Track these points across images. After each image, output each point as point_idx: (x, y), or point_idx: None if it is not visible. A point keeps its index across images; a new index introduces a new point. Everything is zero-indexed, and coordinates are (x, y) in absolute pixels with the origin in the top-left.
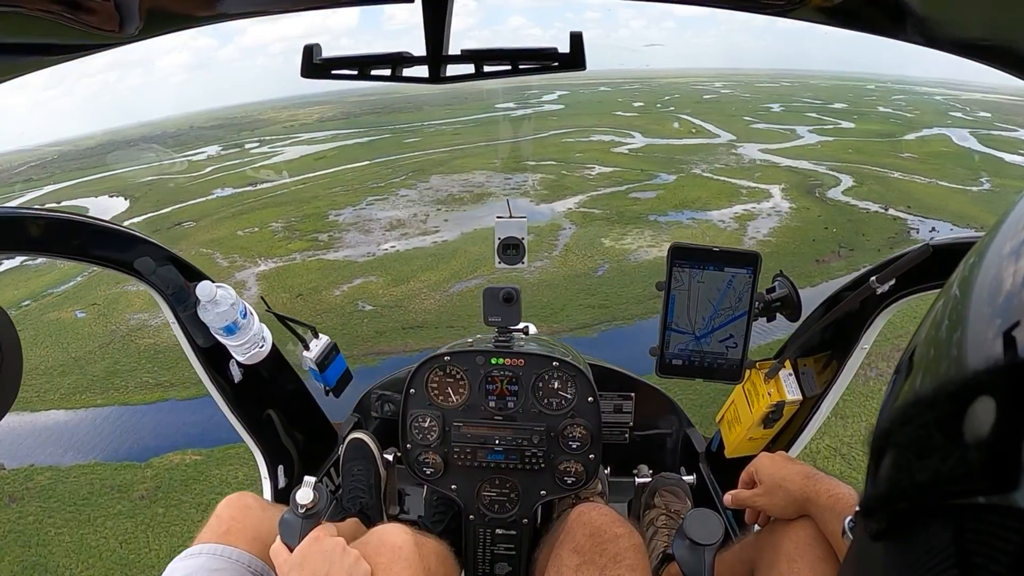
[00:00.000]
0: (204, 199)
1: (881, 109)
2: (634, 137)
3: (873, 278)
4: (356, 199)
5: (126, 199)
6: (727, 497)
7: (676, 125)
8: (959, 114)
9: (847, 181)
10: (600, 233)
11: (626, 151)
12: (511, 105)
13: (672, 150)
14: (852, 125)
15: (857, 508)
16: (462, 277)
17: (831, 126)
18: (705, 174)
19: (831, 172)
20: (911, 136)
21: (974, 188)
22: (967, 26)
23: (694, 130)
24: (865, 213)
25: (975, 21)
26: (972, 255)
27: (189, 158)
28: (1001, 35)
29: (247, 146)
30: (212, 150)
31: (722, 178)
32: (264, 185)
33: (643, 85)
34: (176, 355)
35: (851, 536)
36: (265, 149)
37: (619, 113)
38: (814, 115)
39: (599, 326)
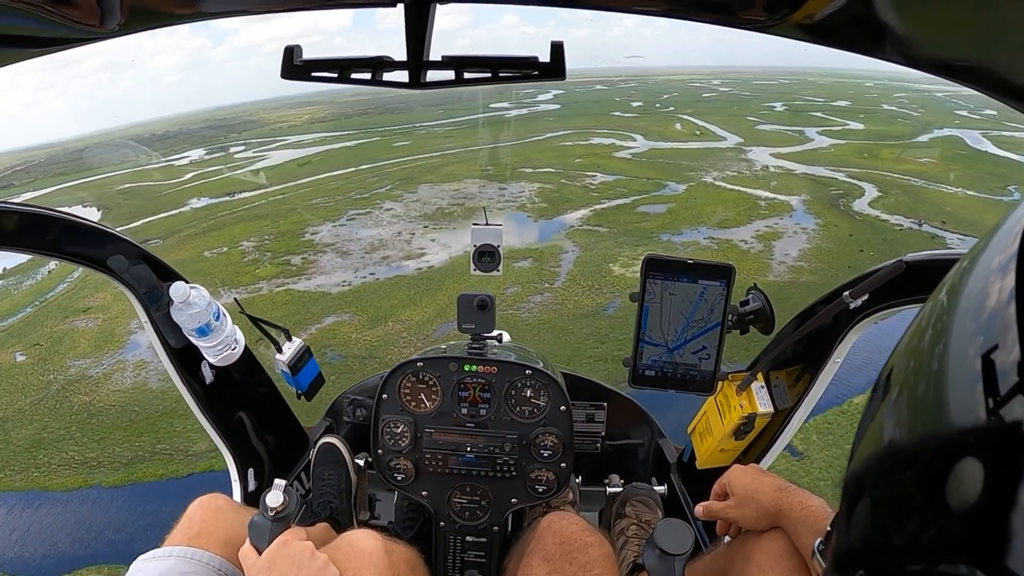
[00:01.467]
0: (177, 211)
1: (886, 107)
2: (636, 140)
3: (846, 293)
4: (336, 213)
5: (99, 209)
6: (699, 509)
7: (679, 127)
8: (964, 112)
9: (871, 191)
10: (607, 256)
11: (628, 156)
12: (506, 105)
13: (678, 155)
14: (861, 126)
15: (828, 528)
16: (449, 316)
17: (839, 127)
18: (717, 183)
19: (852, 180)
20: (924, 138)
21: (1005, 198)
22: (946, 47)
23: (698, 132)
24: (899, 230)
25: (954, 42)
26: (966, 259)
27: (173, 162)
28: (980, 56)
29: (232, 150)
30: (196, 154)
31: (736, 187)
32: (242, 195)
33: (639, 83)
34: (109, 422)
35: (821, 562)
36: (250, 154)
37: (617, 114)
38: (819, 115)
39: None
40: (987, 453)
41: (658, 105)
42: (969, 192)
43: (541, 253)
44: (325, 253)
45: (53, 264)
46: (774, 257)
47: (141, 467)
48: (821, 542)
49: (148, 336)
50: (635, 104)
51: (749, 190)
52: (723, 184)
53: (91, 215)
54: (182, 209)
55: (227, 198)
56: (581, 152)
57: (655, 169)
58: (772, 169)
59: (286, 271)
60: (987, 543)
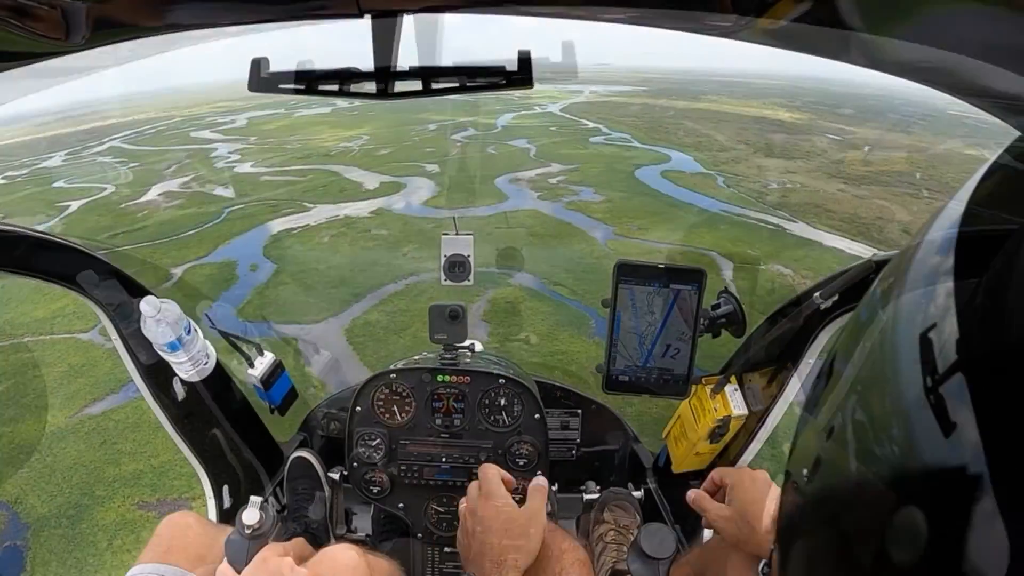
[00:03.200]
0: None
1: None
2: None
3: (817, 294)
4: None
5: None
6: (691, 495)
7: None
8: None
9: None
10: None
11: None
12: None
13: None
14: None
15: (772, 550)
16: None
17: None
18: None
19: None
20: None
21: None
22: (911, 49)
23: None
24: None
25: (916, 44)
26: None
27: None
28: (941, 58)
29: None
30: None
31: None
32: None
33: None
34: None
35: None
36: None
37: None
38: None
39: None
40: (928, 503)
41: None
42: None
43: None
44: None
45: None
46: None
47: None
48: (766, 564)
49: (119, 352)
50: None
51: None
52: None
53: None
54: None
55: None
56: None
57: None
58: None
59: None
60: None
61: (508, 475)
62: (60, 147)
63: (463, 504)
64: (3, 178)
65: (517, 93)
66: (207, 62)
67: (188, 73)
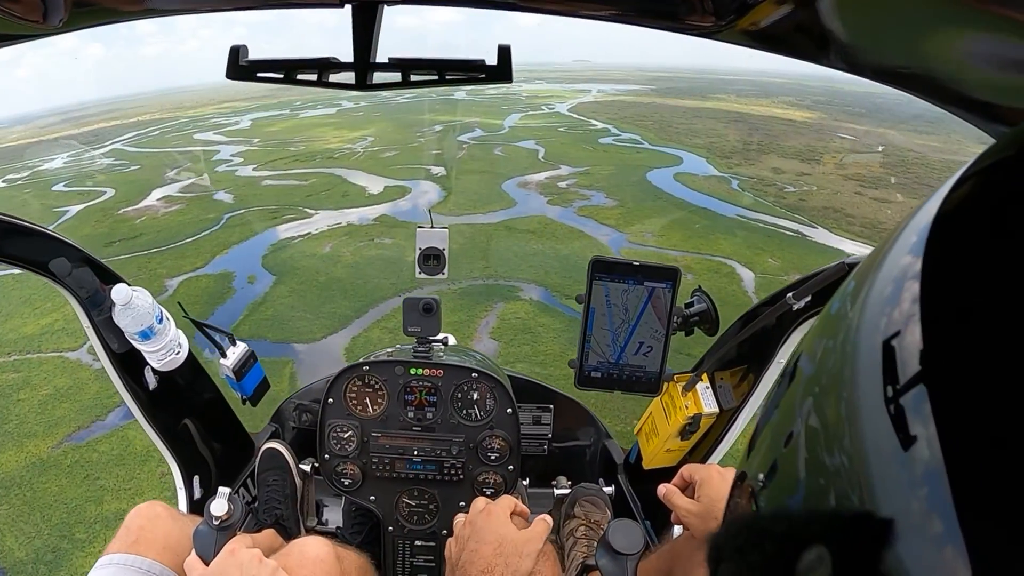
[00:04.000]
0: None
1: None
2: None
3: (790, 294)
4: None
5: None
6: (661, 489)
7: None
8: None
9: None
10: None
11: None
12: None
13: None
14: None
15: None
16: None
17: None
18: None
19: None
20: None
21: None
22: (888, 55)
23: None
24: None
25: (895, 50)
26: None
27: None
28: (919, 63)
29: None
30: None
31: None
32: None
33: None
34: None
35: None
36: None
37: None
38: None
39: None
40: (836, 543)
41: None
42: None
43: None
44: None
45: None
46: None
47: None
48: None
49: (90, 340)
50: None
51: None
52: None
53: None
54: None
55: None
56: None
57: None
58: None
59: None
60: None
61: (524, 508)
62: (62, 149)
63: (459, 517)
64: (3, 181)
65: (525, 93)
66: (214, 61)
67: (195, 72)
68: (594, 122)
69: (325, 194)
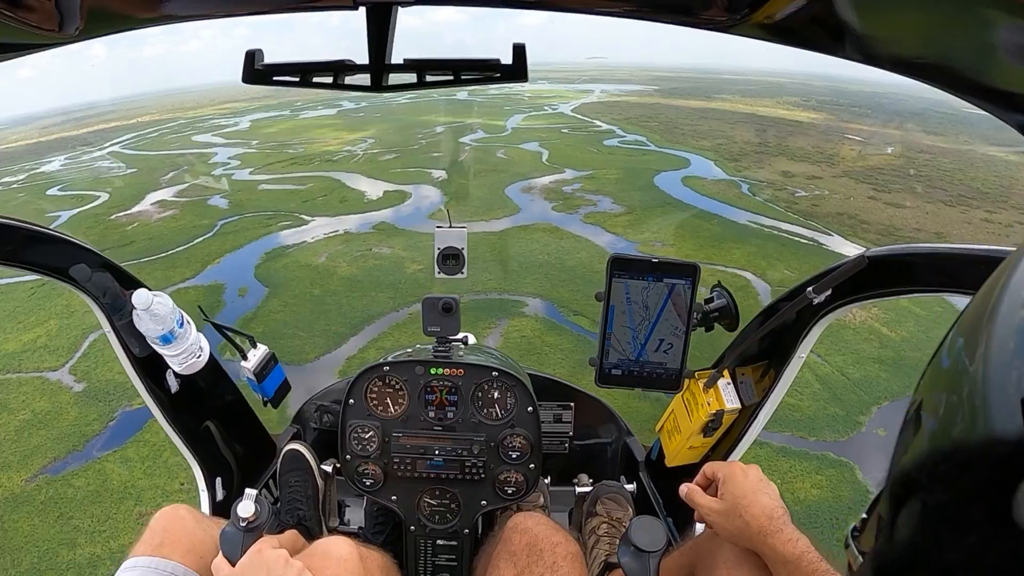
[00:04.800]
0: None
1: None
2: None
3: (810, 289)
4: None
5: None
6: (683, 489)
7: None
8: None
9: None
10: None
11: None
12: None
13: None
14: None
15: (864, 516)
16: None
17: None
18: None
19: None
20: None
21: None
22: (904, 44)
23: None
24: None
25: (912, 40)
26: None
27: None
28: (937, 53)
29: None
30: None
31: None
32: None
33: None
34: None
35: (855, 548)
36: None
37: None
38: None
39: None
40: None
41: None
42: None
43: None
44: None
45: None
46: None
47: None
48: (856, 527)
49: (112, 345)
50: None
51: None
52: None
53: None
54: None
55: None
56: None
57: None
58: None
59: None
60: None
61: None
62: (61, 151)
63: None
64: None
65: (528, 93)
66: (215, 62)
67: (196, 73)
68: (598, 123)
69: (322, 200)
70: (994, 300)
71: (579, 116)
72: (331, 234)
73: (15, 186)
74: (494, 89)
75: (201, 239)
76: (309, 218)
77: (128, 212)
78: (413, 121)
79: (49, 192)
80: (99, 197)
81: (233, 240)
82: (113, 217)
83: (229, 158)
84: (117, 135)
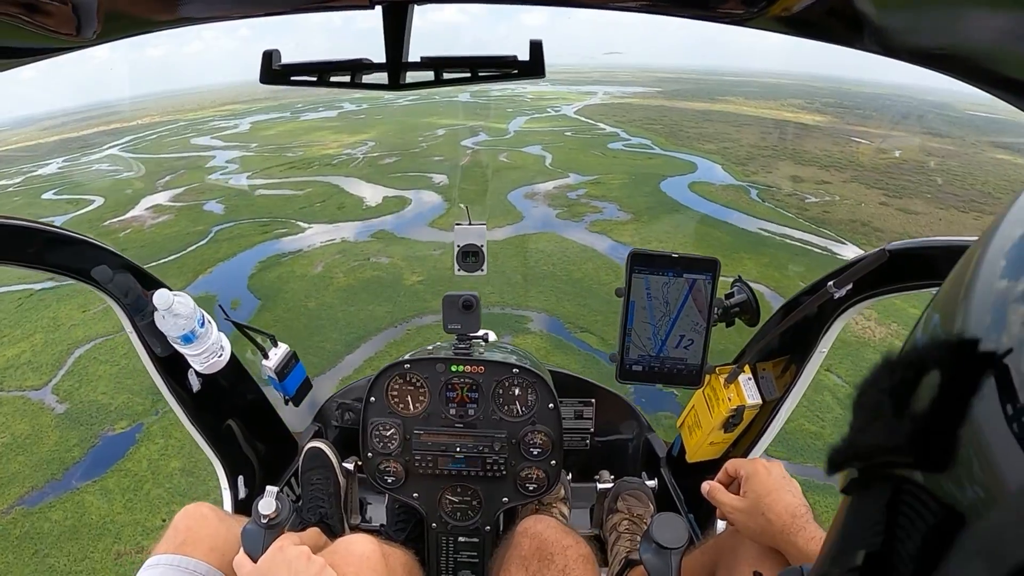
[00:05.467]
0: None
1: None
2: None
3: (831, 283)
4: None
5: None
6: (705, 487)
7: None
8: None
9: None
10: None
11: None
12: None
13: None
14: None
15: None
16: None
17: None
18: None
19: None
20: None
21: None
22: (925, 35)
23: None
24: None
25: (932, 31)
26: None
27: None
28: (958, 44)
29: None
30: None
31: None
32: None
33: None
34: None
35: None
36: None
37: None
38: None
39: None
40: (947, 367)
41: None
42: None
43: None
44: None
45: None
46: None
47: None
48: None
49: (134, 345)
50: None
51: None
52: None
53: None
54: None
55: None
56: None
57: None
58: None
59: None
60: (932, 449)
61: None
62: (59, 154)
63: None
64: None
65: (530, 95)
66: (216, 63)
67: (197, 73)
68: (602, 126)
69: (320, 206)
70: (969, 276)
71: (583, 119)
72: (328, 242)
73: (11, 189)
74: (496, 91)
75: (194, 247)
76: (306, 225)
77: (122, 218)
78: (414, 124)
79: (44, 196)
80: (93, 201)
81: (227, 248)
82: (106, 223)
83: (227, 161)
84: (117, 137)
